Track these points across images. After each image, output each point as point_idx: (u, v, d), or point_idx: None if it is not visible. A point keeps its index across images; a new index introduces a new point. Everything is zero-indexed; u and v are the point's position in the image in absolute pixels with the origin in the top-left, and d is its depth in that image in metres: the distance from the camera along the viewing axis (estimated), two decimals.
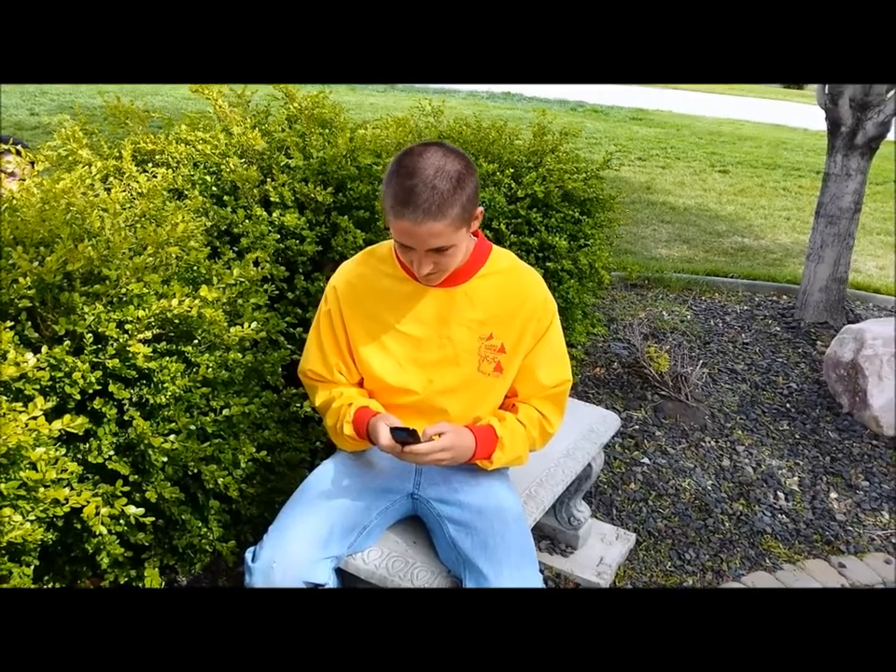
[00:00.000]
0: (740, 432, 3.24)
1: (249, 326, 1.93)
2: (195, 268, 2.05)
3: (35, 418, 1.39)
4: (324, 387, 1.80)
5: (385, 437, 1.54)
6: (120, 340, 1.67)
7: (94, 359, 1.68)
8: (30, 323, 1.68)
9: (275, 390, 2.19)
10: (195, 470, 1.81)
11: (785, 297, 4.86)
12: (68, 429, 1.44)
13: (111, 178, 2.35)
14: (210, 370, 1.82)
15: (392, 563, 1.66)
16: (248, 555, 1.59)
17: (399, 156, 1.51)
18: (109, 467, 1.67)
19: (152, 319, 1.70)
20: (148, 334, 1.70)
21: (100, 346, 1.70)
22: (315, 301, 2.53)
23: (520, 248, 3.24)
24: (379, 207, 2.56)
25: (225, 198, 2.49)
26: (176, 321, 1.79)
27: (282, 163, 2.53)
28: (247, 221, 2.39)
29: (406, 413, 1.71)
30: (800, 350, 4.04)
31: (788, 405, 3.48)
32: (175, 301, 1.70)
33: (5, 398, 1.43)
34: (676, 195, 7.72)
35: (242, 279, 1.96)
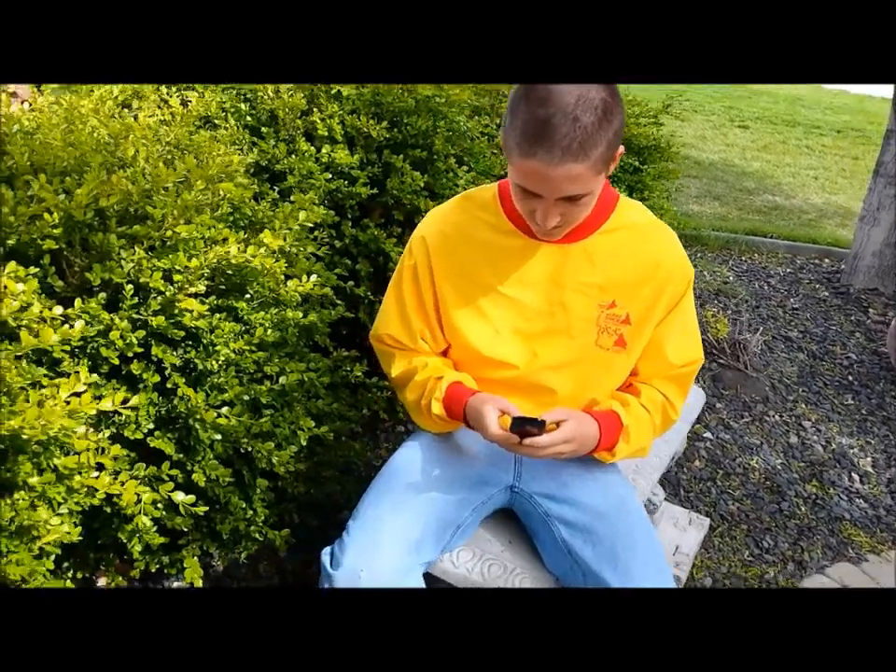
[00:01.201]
0: (804, 406, 3.01)
1: (307, 279, 1.64)
2: (240, 209, 1.75)
3: (78, 394, 1.10)
4: (403, 356, 1.52)
5: (494, 425, 1.27)
6: (167, 293, 1.37)
7: (134, 315, 1.38)
8: (54, 269, 1.38)
9: (325, 352, 1.91)
10: (248, 448, 1.53)
11: (827, 260, 4.61)
12: (119, 410, 1.15)
13: (136, 102, 2.02)
14: (268, 331, 1.53)
15: (488, 567, 1.40)
16: (325, 558, 1.32)
17: None
18: (152, 444, 1.39)
19: (206, 270, 1.40)
20: (201, 287, 1.40)
21: (140, 300, 1.40)
22: (366, 252, 2.24)
23: None
24: (439, 146, 2.25)
25: (263, 129, 2.17)
26: (230, 272, 1.50)
27: (333, 91, 2.20)
28: (293, 157, 2.07)
29: (502, 389, 1.44)
30: (852, 318, 3.80)
31: (850, 377, 3.24)
32: (234, 249, 1.41)
33: (36, 366, 1.14)
34: (699, 149, 7.40)
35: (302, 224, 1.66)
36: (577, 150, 1.15)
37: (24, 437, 0.98)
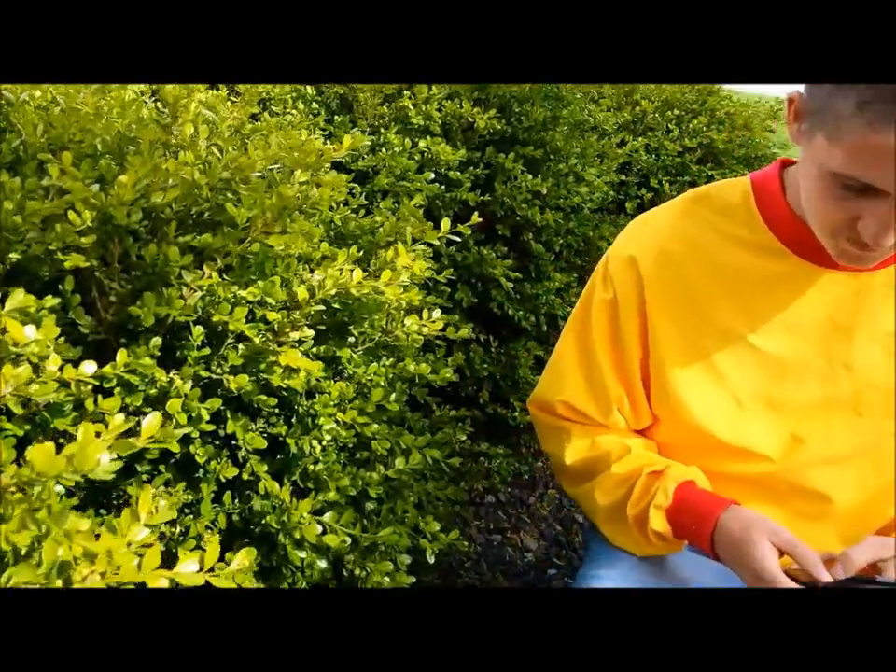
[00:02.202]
0: None
1: (429, 316, 1.15)
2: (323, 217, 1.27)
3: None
4: (583, 433, 1.04)
5: (785, 581, 0.79)
6: (256, 340, 0.88)
7: (202, 372, 0.89)
8: (79, 298, 0.90)
9: (425, 410, 1.44)
10: (355, 570, 1.03)
11: None
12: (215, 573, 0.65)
13: None
14: (391, 395, 1.04)
15: None
16: None
17: None
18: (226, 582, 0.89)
19: (312, 305, 0.91)
20: (308, 331, 0.91)
21: (212, 350, 0.91)
22: (466, 276, 1.77)
23: None
24: (559, 143, 1.77)
25: (336, 119, 1.70)
26: (336, 306, 1.01)
27: None
28: (383, 151, 1.60)
29: (739, 490, 0.96)
30: None
31: None
32: (357, 274, 0.92)
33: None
34: None
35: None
36: None
37: None
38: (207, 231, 0.92)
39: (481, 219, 1.26)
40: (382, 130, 1.67)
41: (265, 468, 0.97)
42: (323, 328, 1.04)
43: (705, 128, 2.46)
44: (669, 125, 2.49)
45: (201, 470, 0.96)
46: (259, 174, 0.93)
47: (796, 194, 0.88)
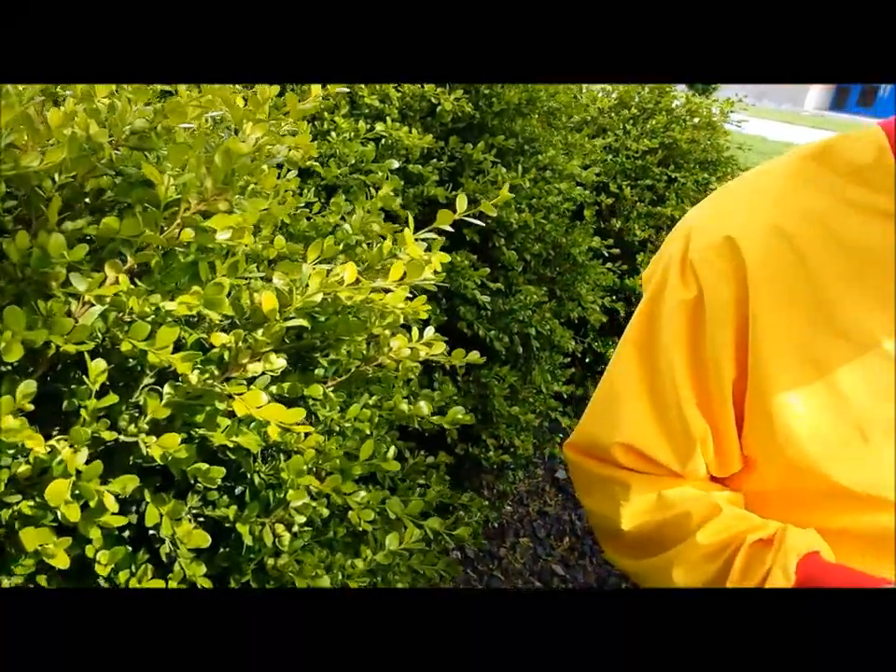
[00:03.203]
0: None
1: (419, 336, 0.85)
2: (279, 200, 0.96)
3: None
4: (646, 486, 0.76)
5: None
6: (192, 378, 0.56)
7: (105, 433, 0.56)
8: None
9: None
10: None
11: None
12: None
13: None
14: (388, 449, 0.73)
15: None
16: None
17: None
18: None
19: (280, 322, 0.59)
20: (276, 360, 0.60)
21: (122, 398, 0.58)
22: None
23: (648, 223, 2.26)
24: (535, 130, 1.50)
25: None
26: (305, 323, 0.70)
27: None
28: (333, 136, 1.29)
29: (859, 552, 0.70)
30: None
31: None
32: (350, 273, 0.61)
33: None
34: None
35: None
36: None
37: None
38: (111, 213, 0.60)
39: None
40: (326, 114, 1.37)
41: (202, 569, 0.65)
42: (284, 356, 0.72)
43: (663, 128, 2.26)
44: (626, 125, 2.27)
45: (101, 581, 0.63)
46: (191, 125, 0.62)
47: None
